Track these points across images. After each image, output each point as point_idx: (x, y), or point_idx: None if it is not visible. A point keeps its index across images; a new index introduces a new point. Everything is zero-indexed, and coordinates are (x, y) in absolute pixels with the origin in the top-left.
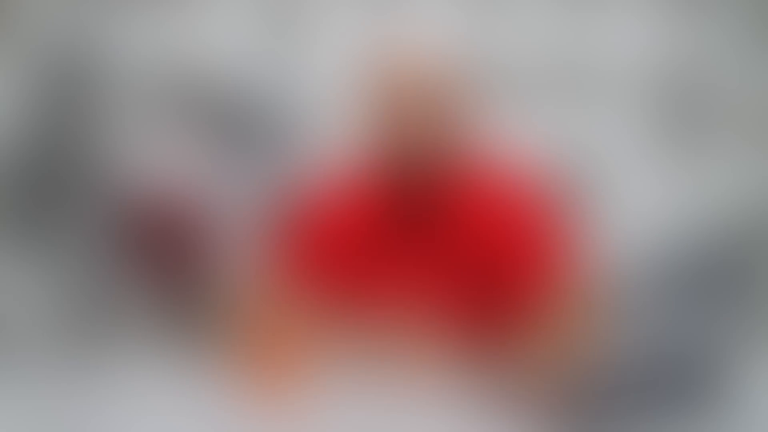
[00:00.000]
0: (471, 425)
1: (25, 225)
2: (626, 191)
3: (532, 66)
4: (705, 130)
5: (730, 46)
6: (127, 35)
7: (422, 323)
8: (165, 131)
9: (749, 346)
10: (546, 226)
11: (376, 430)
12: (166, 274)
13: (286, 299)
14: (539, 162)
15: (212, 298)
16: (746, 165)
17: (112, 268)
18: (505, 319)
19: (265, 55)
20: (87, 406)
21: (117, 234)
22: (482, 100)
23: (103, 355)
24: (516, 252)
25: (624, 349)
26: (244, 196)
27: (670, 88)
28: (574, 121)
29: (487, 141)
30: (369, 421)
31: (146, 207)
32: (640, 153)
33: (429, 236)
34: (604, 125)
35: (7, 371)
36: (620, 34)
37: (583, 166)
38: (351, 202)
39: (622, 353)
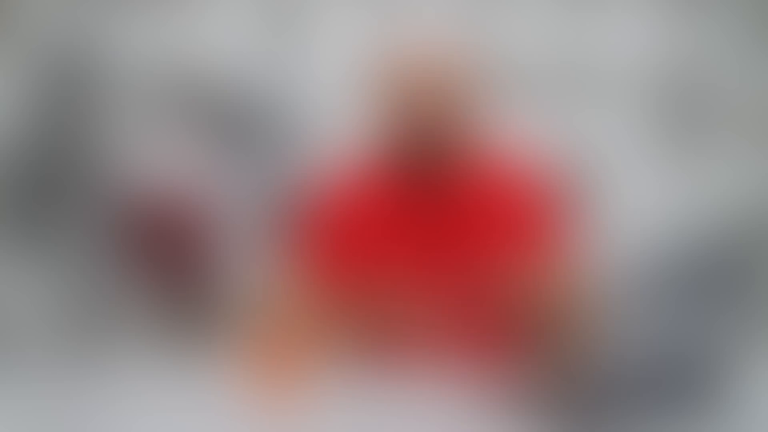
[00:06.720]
0: (473, 424)
1: (26, 225)
2: (626, 191)
3: (532, 65)
4: (705, 130)
5: (730, 46)
6: (127, 35)
7: (428, 319)
8: (166, 131)
9: (749, 346)
10: (548, 221)
11: (381, 429)
12: (167, 273)
13: (294, 296)
14: (540, 158)
15: (215, 298)
16: (746, 165)
17: (113, 267)
18: (508, 317)
19: (264, 54)
20: (87, 405)
21: (118, 233)
22: (487, 93)
23: (103, 355)
24: (520, 245)
25: (624, 349)
26: (245, 195)
27: (670, 88)
28: (573, 120)
29: (492, 133)
30: (373, 419)
31: (147, 206)
32: (640, 153)
33: (436, 227)
34: (604, 125)
35: (8, 371)
36: (620, 34)
37: (583, 166)
38: (362, 194)
39: (622, 353)
